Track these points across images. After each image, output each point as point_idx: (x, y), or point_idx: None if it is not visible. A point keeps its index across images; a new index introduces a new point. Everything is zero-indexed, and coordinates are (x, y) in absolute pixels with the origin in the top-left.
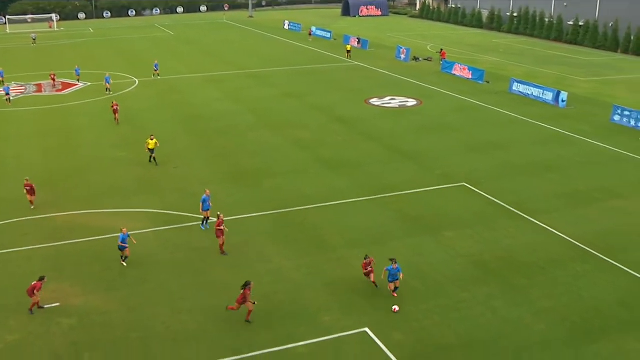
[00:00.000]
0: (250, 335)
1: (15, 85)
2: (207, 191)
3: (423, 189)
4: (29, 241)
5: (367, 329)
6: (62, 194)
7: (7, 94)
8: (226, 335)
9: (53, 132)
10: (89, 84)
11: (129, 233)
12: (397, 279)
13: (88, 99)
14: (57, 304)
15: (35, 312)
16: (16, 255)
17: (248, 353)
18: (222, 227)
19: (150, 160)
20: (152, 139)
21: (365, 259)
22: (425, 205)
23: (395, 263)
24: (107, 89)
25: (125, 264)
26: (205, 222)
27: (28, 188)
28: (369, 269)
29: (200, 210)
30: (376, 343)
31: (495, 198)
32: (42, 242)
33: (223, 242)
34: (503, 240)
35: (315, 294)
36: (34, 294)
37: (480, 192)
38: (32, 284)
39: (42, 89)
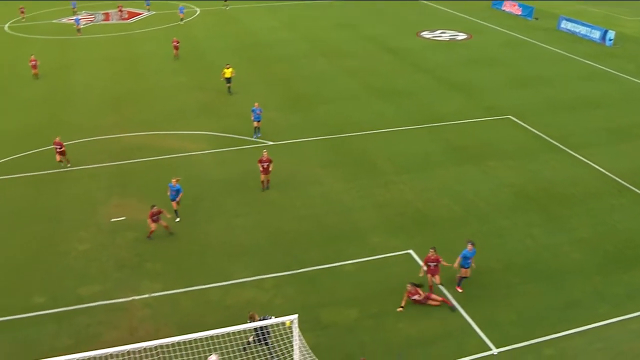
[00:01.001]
0: (300, 253)
1: (85, 14)
2: (256, 104)
3: (470, 120)
4: (97, 159)
5: (411, 251)
6: (127, 117)
7: (77, 24)
8: (277, 251)
9: (119, 59)
10: (154, 12)
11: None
12: (470, 267)
13: (152, 27)
14: (123, 218)
15: (102, 227)
16: (85, 173)
17: (298, 269)
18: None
19: (229, 91)
20: (228, 68)
21: (433, 251)
22: (472, 135)
23: (473, 245)
24: (181, 19)
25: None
26: (256, 131)
27: (58, 147)
28: (434, 266)
29: (252, 120)
30: (419, 265)
31: (539, 131)
32: (109, 161)
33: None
34: (545, 172)
35: (365, 215)
36: (153, 220)
37: (525, 125)
38: (152, 210)
39: (110, 18)
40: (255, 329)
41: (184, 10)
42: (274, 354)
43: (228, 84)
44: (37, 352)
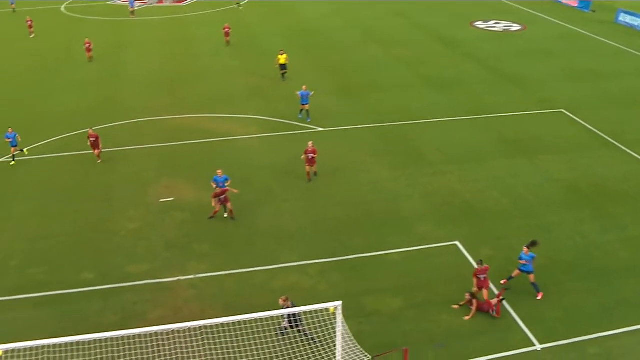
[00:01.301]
0: (346, 239)
1: None
2: (304, 87)
3: (522, 113)
4: (148, 140)
5: (457, 242)
6: (179, 98)
7: (132, 6)
8: (323, 237)
9: (171, 41)
10: None
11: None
12: (532, 272)
13: (204, 11)
14: (172, 199)
15: (152, 207)
16: (136, 153)
17: (343, 256)
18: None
19: (282, 78)
20: (282, 54)
21: (479, 264)
22: (524, 128)
23: (530, 247)
24: (237, 3)
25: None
26: (302, 113)
27: (93, 140)
28: (484, 278)
29: (299, 104)
30: (465, 256)
31: (593, 126)
32: (159, 142)
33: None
34: (597, 168)
35: (412, 204)
36: (220, 202)
37: (578, 119)
38: (218, 190)
39: (163, 0)
40: (288, 315)
41: None
42: (309, 338)
43: (283, 71)
44: (83, 326)
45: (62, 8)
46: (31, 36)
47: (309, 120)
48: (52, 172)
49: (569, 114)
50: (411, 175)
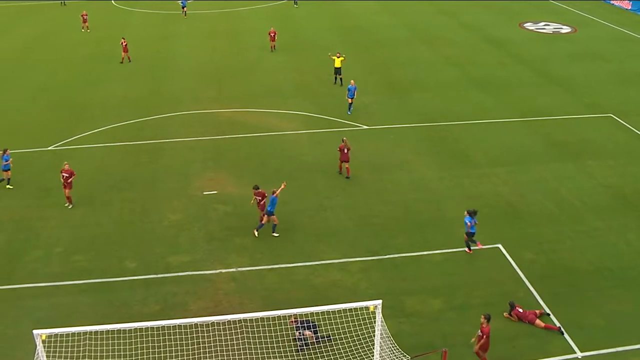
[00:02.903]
0: (387, 239)
1: None
2: (352, 81)
3: (570, 116)
4: (193, 133)
5: (500, 245)
6: (225, 92)
7: (184, 7)
8: (365, 235)
9: (221, 34)
10: None
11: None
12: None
13: (256, 6)
14: (215, 192)
15: (195, 199)
16: (182, 145)
17: (384, 255)
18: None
19: (335, 82)
20: (338, 56)
21: (510, 309)
22: (571, 132)
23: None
24: (295, 1)
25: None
26: (350, 107)
27: (66, 176)
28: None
29: (346, 97)
30: (507, 259)
31: None
32: (204, 135)
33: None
34: None
35: (455, 205)
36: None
37: (627, 124)
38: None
39: None
40: (297, 328)
41: None
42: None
43: (338, 75)
44: (125, 315)
45: (113, 1)
46: (86, 30)
47: (349, 113)
48: (99, 161)
49: (617, 118)
50: (455, 177)
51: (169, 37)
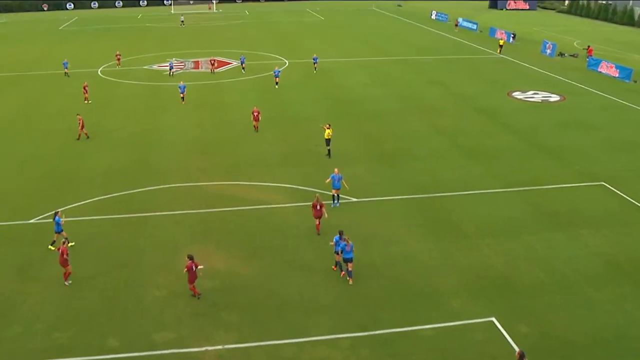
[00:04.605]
0: (378, 313)
1: (175, 61)
2: (336, 170)
3: (561, 185)
4: (179, 206)
5: (493, 319)
6: (212, 163)
7: (171, 68)
8: (354, 309)
9: (206, 105)
10: (235, 63)
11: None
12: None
13: (239, 78)
14: (202, 267)
15: (181, 274)
16: (168, 219)
17: (374, 330)
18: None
19: (328, 155)
20: (328, 127)
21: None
22: (562, 201)
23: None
24: (314, 68)
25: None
26: (335, 200)
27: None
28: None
29: (331, 189)
30: (501, 333)
31: (636, 200)
32: (191, 208)
33: (319, 223)
34: (639, 243)
35: (445, 278)
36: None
37: (619, 192)
38: (187, 263)
39: (200, 66)
40: None
41: (318, 60)
42: None
43: (327, 146)
44: None
45: (99, 71)
46: (87, 102)
47: (337, 205)
48: (84, 234)
49: (609, 186)
50: (445, 248)
51: (154, 108)
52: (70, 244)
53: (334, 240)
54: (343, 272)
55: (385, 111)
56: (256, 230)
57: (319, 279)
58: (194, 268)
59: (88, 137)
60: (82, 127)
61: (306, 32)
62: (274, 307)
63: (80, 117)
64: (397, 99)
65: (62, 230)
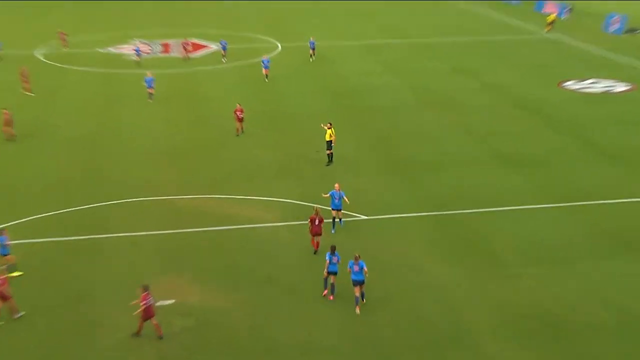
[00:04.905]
0: (392, 358)
1: (139, 42)
2: (337, 185)
3: (626, 200)
4: (144, 226)
5: None
6: (185, 172)
7: (138, 53)
8: (364, 354)
9: (178, 99)
10: (214, 47)
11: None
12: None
13: (219, 66)
14: (172, 301)
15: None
16: (128, 241)
17: None
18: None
19: (329, 161)
20: (329, 127)
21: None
22: (628, 218)
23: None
24: (310, 55)
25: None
26: (335, 223)
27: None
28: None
29: (330, 208)
30: None
31: None
32: (158, 229)
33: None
34: None
35: (479, 316)
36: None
37: None
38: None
39: (170, 50)
40: None
41: (315, 43)
42: None
43: (328, 150)
44: None
45: (39, 54)
46: (29, 93)
47: (342, 225)
48: (21, 262)
49: None
50: (478, 279)
51: (112, 101)
52: (16, 274)
53: (335, 259)
54: (325, 292)
55: (398, 106)
56: (240, 255)
57: (316, 314)
58: (151, 302)
59: (15, 137)
60: (8, 124)
61: (302, 8)
62: (262, 351)
63: (6, 112)
64: (412, 91)
65: (8, 253)
